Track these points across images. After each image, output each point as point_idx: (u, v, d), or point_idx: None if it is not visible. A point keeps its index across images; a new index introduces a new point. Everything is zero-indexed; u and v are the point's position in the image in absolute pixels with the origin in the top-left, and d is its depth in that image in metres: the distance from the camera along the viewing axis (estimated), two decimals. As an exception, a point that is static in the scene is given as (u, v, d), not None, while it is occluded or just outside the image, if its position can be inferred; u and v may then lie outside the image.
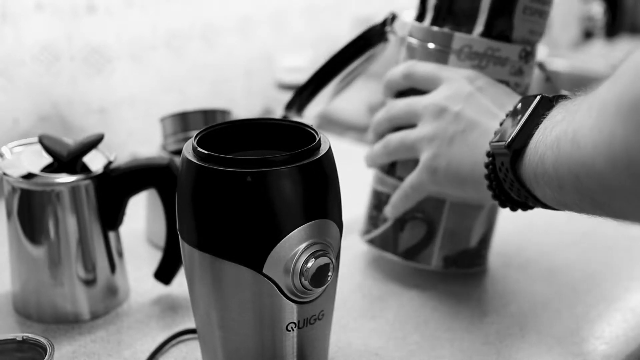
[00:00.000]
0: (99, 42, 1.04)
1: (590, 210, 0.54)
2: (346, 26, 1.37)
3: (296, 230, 0.55)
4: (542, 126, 0.58)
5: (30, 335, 0.59)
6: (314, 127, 0.60)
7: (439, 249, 0.78)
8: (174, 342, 0.70)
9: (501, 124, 0.64)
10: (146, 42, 1.09)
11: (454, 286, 0.79)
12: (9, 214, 0.72)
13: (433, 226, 0.77)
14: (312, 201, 0.56)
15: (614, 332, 0.72)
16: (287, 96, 1.20)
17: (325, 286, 0.58)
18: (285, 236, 0.55)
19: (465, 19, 0.73)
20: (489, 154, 0.64)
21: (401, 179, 0.76)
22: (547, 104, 0.60)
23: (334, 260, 0.58)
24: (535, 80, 0.79)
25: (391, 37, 0.80)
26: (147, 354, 0.68)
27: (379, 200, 0.80)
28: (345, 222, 0.62)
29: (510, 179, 0.61)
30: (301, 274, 0.56)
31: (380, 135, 0.78)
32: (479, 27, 0.72)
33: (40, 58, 0.99)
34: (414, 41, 0.76)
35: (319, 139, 0.58)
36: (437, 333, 0.72)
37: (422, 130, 0.71)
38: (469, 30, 0.73)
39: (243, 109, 1.24)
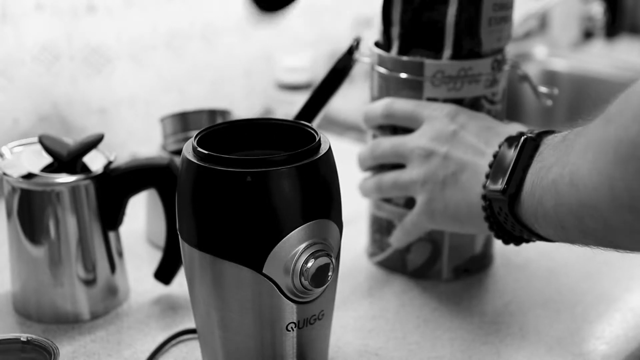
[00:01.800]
0: (99, 42, 1.04)
1: (594, 244, 0.55)
2: (346, 26, 1.37)
3: (296, 230, 0.56)
4: (533, 168, 0.58)
5: (35, 337, 0.59)
6: (314, 127, 0.60)
7: (447, 263, 0.78)
8: (174, 342, 0.70)
9: (490, 166, 0.64)
10: (146, 42, 1.09)
11: (454, 286, 0.79)
12: (9, 214, 0.72)
13: (438, 244, 0.77)
14: (312, 201, 0.56)
15: (614, 332, 0.72)
16: (287, 96, 1.21)
17: (325, 286, 0.58)
18: (285, 236, 0.55)
19: (432, 44, 0.72)
20: (484, 198, 0.64)
21: (397, 204, 0.77)
22: (532, 143, 0.60)
23: (334, 260, 0.58)
24: (511, 82, 0.79)
25: (359, 62, 0.80)
26: (147, 354, 0.68)
27: (379, 225, 0.80)
28: (345, 221, 0.62)
29: (511, 222, 0.61)
30: (301, 274, 0.56)
31: (368, 170, 0.78)
32: (448, 50, 0.72)
33: (40, 58, 0.99)
34: (385, 71, 0.75)
35: (319, 139, 0.58)
36: (437, 333, 0.72)
37: (412, 173, 0.71)
38: (438, 54, 0.72)
39: (243, 109, 1.24)
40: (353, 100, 1.27)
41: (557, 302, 0.77)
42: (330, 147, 0.58)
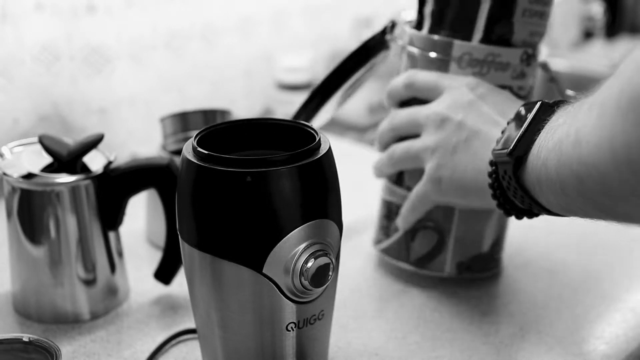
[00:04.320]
0: (99, 42, 1.04)
1: (594, 214, 0.54)
2: (346, 26, 1.37)
3: (296, 230, 0.56)
4: (543, 132, 0.58)
5: (37, 337, 0.59)
6: (314, 127, 0.60)
7: (451, 256, 0.78)
8: (174, 342, 0.70)
9: (503, 132, 0.64)
10: (146, 42, 1.09)
11: (454, 286, 0.79)
12: (9, 214, 0.72)
13: (444, 234, 0.77)
14: (312, 201, 0.56)
15: (614, 332, 0.72)
16: (287, 96, 1.21)
17: (325, 286, 0.58)
18: (285, 236, 0.55)
19: (464, 25, 0.72)
20: (491, 163, 0.64)
21: (409, 188, 0.76)
22: (548, 109, 0.60)
23: (334, 260, 0.58)
24: (539, 81, 0.78)
25: (392, 45, 0.80)
26: (147, 354, 0.68)
27: (389, 210, 0.80)
28: (345, 222, 0.62)
29: (513, 186, 0.61)
30: (301, 274, 0.56)
31: (386, 146, 0.78)
32: (478, 33, 0.72)
33: (40, 58, 0.99)
34: (414, 50, 0.75)
35: (319, 139, 0.58)
36: (437, 333, 0.72)
37: (425, 140, 0.71)
38: (468, 36, 0.72)
39: (243, 109, 1.24)
40: (353, 100, 1.27)
41: (557, 302, 0.77)
42: (330, 147, 0.58)
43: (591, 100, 0.50)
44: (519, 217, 0.65)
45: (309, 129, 0.60)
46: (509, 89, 0.73)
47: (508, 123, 0.64)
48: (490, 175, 0.64)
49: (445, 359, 0.68)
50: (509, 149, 0.60)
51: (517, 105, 0.67)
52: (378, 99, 1.29)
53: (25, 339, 0.59)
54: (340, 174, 0.60)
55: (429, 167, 0.71)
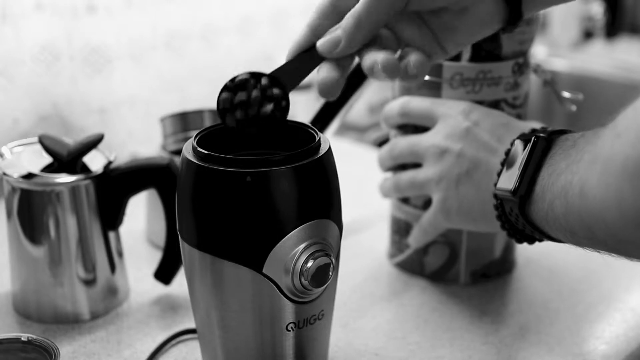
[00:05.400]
0: (99, 42, 1.04)
1: (604, 251, 0.55)
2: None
3: (296, 230, 0.56)
4: (545, 171, 0.58)
5: (35, 337, 0.59)
6: (314, 127, 0.60)
7: (465, 267, 0.78)
8: (174, 342, 0.70)
9: (502, 163, 0.64)
10: (146, 42, 1.09)
11: (455, 286, 0.79)
12: (9, 214, 0.72)
13: (455, 247, 0.77)
14: (312, 201, 0.56)
15: (614, 332, 0.72)
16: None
17: (325, 286, 0.58)
18: (285, 236, 0.55)
19: None
20: (496, 197, 0.64)
21: (416, 207, 0.77)
22: (543, 143, 0.60)
23: (334, 260, 0.58)
24: (534, 85, 0.78)
25: None
26: (147, 354, 0.68)
27: (398, 227, 0.80)
28: (345, 222, 0.62)
29: (522, 222, 0.61)
30: (301, 274, 0.56)
31: (387, 170, 0.78)
32: (467, 52, 0.71)
33: (40, 58, 0.99)
34: None
35: (319, 139, 0.58)
36: (437, 333, 0.72)
37: (427, 172, 0.72)
38: (457, 56, 0.71)
39: (243, 109, 1.24)
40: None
41: (557, 302, 0.77)
42: (330, 147, 0.58)
43: (593, 152, 0.51)
44: (530, 243, 0.66)
45: (309, 129, 0.60)
46: (504, 101, 0.73)
47: (506, 153, 0.64)
48: (496, 208, 0.64)
49: (446, 359, 0.68)
50: (512, 189, 0.60)
51: (513, 128, 0.68)
52: (378, 99, 1.30)
53: (24, 339, 0.60)
54: (340, 174, 0.60)
55: (436, 198, 0.71)
